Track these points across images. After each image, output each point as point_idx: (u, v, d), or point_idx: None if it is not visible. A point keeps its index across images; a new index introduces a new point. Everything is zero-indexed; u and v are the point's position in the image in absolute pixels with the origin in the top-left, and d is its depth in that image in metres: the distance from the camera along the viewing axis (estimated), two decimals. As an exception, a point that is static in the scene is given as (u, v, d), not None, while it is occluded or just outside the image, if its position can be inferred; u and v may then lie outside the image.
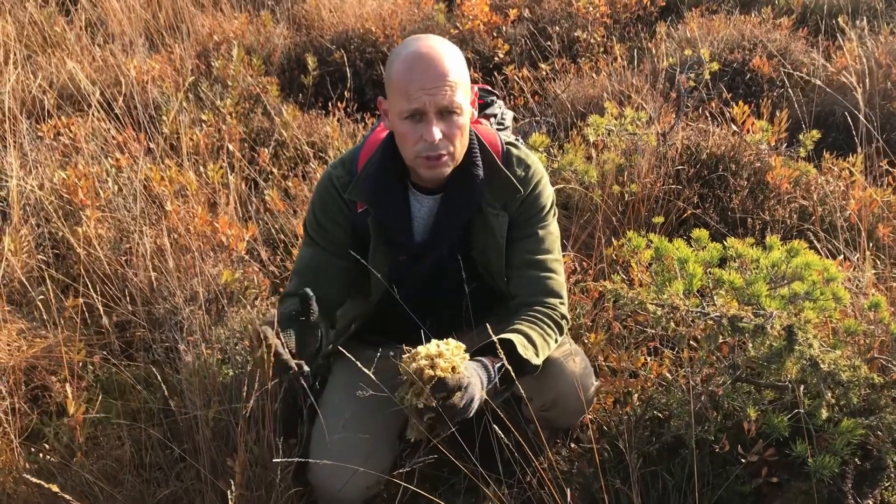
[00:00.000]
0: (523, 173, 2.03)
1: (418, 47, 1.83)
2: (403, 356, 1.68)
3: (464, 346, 1.71)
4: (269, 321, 1.75)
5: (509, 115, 2.49)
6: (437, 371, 1.61)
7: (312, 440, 2.07)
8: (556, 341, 2.00)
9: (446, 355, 1.64)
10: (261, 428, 2.07)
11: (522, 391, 1.80)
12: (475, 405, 1.69)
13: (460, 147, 1.89)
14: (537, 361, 1.88)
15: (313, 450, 2.04)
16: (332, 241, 2.05)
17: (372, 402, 2.05)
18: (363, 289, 2.12)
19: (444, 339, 1.69)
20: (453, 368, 1.63)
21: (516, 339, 1.85)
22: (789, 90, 3.79)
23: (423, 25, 5.28)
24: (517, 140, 2.43)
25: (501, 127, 2.41)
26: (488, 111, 2.39)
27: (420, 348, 1.66)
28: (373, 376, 1.72)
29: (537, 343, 1.91)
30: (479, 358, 1.80)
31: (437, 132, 1.81)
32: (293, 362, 1.67)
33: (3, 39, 4.81)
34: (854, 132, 3.23)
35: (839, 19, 4.98)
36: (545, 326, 1.97)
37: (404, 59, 1.83)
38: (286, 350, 1.70)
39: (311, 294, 1.73)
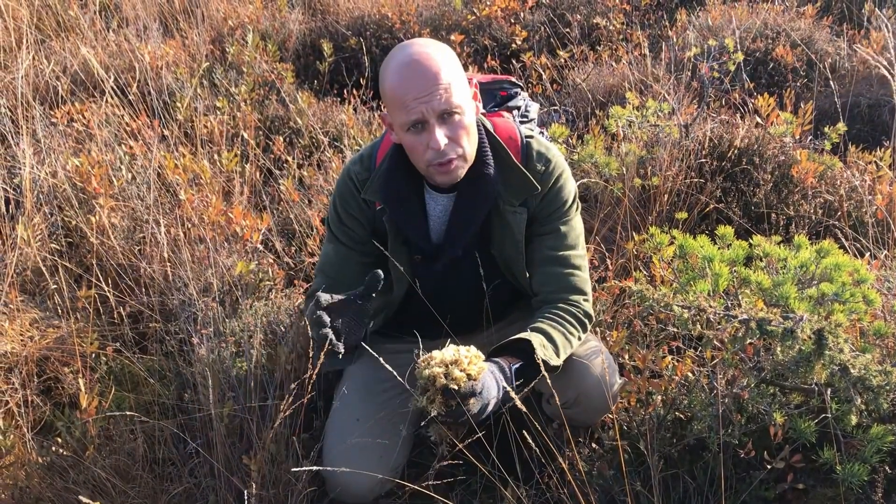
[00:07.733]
0: (543, 168, 1.98)
1: (405, 55, 1.79)
2: (419, 360, 1.64)
3: (482, 356, 1.66)
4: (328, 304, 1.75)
5: (534, 107, 2.44)
6: (450, 380, 1.57)
7: (327, 435, 2.06)
8: (579, 339, 1.96)
9: (462, 363, 1.60)
10: (277, 425, 2.04)
11: (545, 388, 1.76)
12: (490, 409, 1.66)
13: (469, 146, 1.86)
14: (557, 362, 1.84)
15: (327, 444, 2.04)
16: (354, 238, 2.04)
17: (387, 398, 2.02)
18: (386, 284, 2.09)
19: (466, 346, 1.65)
20: (469, 376, 1.59)
21: (535, 338, 1.81)
22: (829, 82, 3.68)
23: (439, 11, 5.20)
24: (541, 133, 2.37)
25: (525, 119, 2.36)
26: (511, 103, 2.33)
27: (436, 353, 1.62)
28: (395, 373, 1.68)
29: (558, 342, 1.87)
30: (496, 359, 1.76)
31: (441, 138, 1.78)
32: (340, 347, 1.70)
33: (16, 23, 4.77)
34: (890, 125, 3.13)
35: (865, 7, 4.87)
36: (567, 325, 1.93)
37: (393, 71, 1.80)
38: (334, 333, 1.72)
39: (382, 275, 1.75)
